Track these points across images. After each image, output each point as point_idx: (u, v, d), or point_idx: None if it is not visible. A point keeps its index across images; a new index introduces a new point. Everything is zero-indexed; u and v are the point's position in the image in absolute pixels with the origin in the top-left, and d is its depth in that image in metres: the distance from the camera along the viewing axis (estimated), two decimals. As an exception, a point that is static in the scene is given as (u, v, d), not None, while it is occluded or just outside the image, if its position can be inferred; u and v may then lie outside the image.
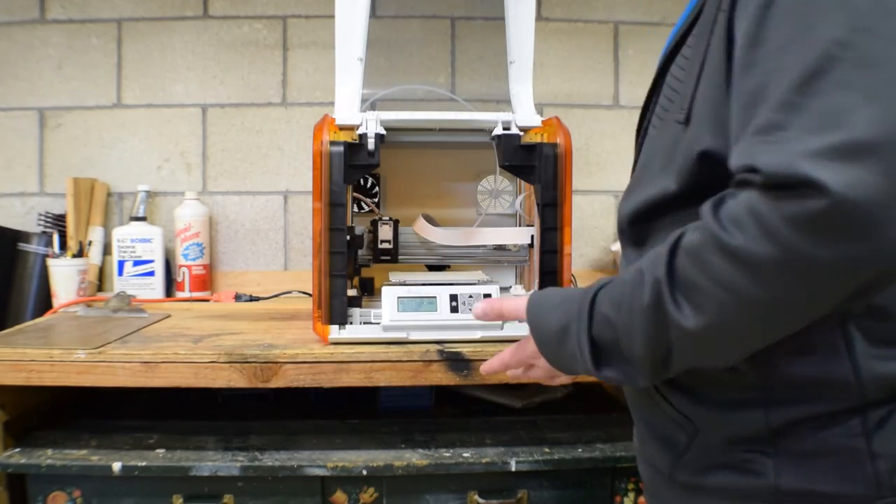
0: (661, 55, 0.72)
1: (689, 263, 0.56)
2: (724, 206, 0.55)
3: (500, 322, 1.11)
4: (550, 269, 1.13)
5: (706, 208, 0.57)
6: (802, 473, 0.61)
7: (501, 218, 1.32)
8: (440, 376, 1.07)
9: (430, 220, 1.23)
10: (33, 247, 1.60)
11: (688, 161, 0.62)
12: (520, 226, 1.27)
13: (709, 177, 0.61)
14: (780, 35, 0.53)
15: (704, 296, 0.55)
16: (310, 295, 1.35)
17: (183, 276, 1.65)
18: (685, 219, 0.62)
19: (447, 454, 1.11)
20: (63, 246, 1.57)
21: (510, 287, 1.28)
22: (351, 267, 1.18)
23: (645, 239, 0.71)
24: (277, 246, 1.76)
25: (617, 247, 1.66)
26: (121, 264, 1.62)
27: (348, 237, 1.11)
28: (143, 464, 1.06)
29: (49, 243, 1.58)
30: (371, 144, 1.09)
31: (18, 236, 1.62)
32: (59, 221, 1.64)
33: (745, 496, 0.63)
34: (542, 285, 1.13)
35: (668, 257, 0.58)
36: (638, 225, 0.71)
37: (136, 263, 1.62)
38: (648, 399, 0.72)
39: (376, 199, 1.32)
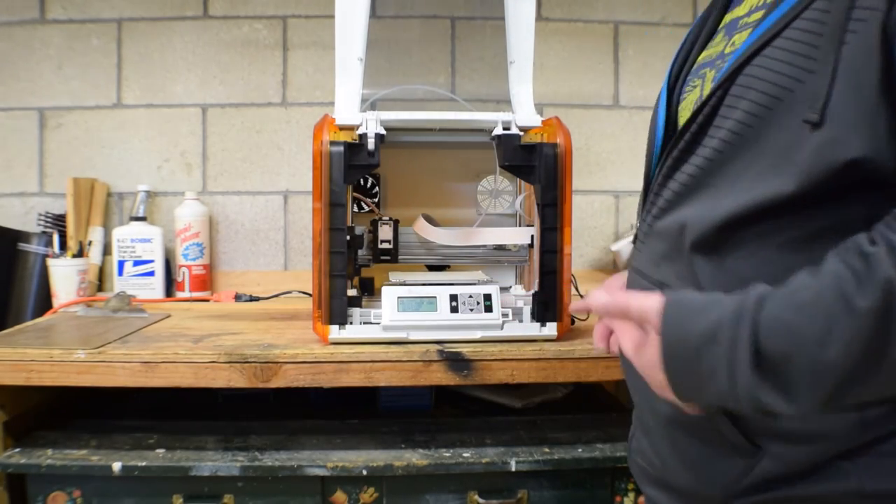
0: (741, 50, 0.66)
1: None
2: None
3: (500, 322, 1.11)
4: (550, 269, 1.13)
5: None
6: (886, 474, 0.60)
7: (501, 218, 1.32)
8: (440, 376, 1.07)
9: (430, 220, 1.23)
10: (33, 247, 1.61)
11: (821, 164, 0.58)
12: (520, 226, 1.27)
13: (842, 181, 0.58)
14: None
15: None
16: (310, 295, 1.35)
17: (183, 276, 1.65)
18: (785, 232, 0.61)
19: (447, 454, 1.11)
20: (63, 246, 1.57)
21: (510, 287, 1.28)
22: (351, 267, 1.18)
23: (731, 249, 0.66)
24: (277, 246, 1.76)
25: (617, 246, 1.66)
26: (121, 264, 1.62)
27: (348, 237, 1.11)
28: (143, 464, 1.06)
29: (49, 243, 1.58)
30: (371, 144, 1.09)
31: (18, 236, 1.62)
32: (59, 221, 1.64)
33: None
34: (541, 285, 1.13)
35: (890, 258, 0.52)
36: (731, 232, 0.65)
37: (136, 263, 1.62)
38: (697, 424, 0.68)
39: (376, 199, 1.32)
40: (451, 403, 1.34)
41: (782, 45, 0.62)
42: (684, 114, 0.76)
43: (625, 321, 0.67)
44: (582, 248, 1.79)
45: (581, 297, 1.31)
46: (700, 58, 0.78)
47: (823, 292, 0.54)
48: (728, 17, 0.77)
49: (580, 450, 1.13)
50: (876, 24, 0.55)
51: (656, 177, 0.76)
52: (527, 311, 1.15)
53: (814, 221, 0.61)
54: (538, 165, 1.12)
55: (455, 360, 1.07)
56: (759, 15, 0.68)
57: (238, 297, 1.62)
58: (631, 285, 0.79)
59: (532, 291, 1.16)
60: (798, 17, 0.62)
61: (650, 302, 0.62)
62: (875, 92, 0.56)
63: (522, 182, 1.26)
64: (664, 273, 0.72)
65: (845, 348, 0.52)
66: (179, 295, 1.65)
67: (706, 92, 0.70)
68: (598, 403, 1.37)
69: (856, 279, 0.53)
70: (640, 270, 0.77)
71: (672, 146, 0.72)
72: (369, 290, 1.26)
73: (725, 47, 0.73)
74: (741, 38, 0.69)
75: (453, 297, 1.11)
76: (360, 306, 1.13)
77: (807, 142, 0.59)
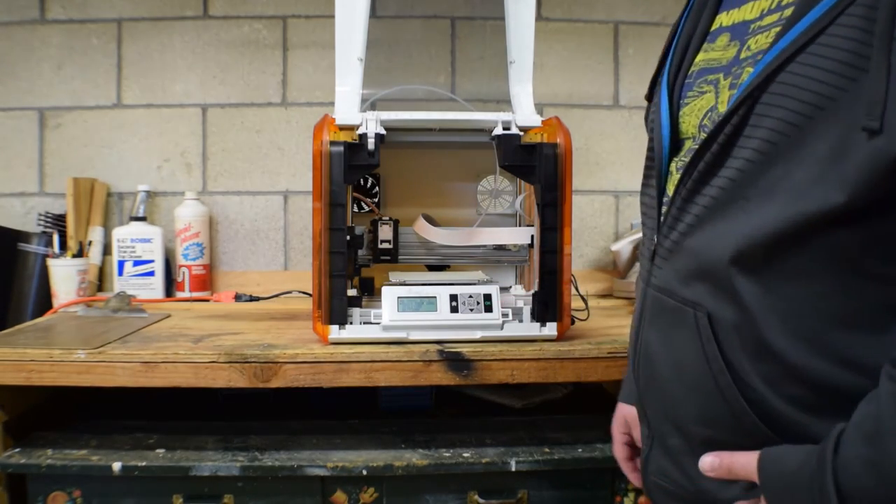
0: (771, 56, 0.64)
1: None
2: None
3: (500, 322, 1.11)
4: (550, 269, 1.13)
5: None
6: None
7: (501, 218, 1.32)
8: (440, 376, 1.07)
9: (430, 220, 1.23)
10: (33, 247, 1.61)
11: (871, 171, 0.57)
12: (520, 226, 1.27)
13: (887, 191, 0.57)
14: None
15: None
16: (310, 295, 1.35)
17: (183, 276, 1.65)
18: (834, 246, 0.60)
19: (447, 454, 1.11)
20: (63, 246, 1.57)
21: (510, 287, 1.28)
22: (351, 267, 1.18)
23: (776, 265, 0.64)
24: (277, 246, 1.76)
25: (617, 246, 1.66)
26: (121, 264, 1.62)
27: (348, 237, 1.11)
28: (143, 464, 1.06)
29: (49, 243, 1.58)
30: (371, 144, 1.09)
31: (18, 236, 1.62)
32: (59, 221, 1.64)
33: None
34: (541, 285, 1.13)
35: None
36: (775, 248, 0.63)
37: (136, 263, 1.62)
38: (736, 446, 0.66)
39: (376, 199, 1.32)
40: (451, 403, 1.34)
41: (820, 52, 0.60)
42: (688, 120, 0.74)
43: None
44: (582, 248, 1.79)
45: (581, 297, 1.31)
46: (698, 60, 0.75)
47: (883, 417, 0.55)
48: (727, 19, 0.74)
49: (580, 450, 1.13)
50: None
51: (679, 191, 0.72)
52: (527, 311, 1.15)
53: (863, 234, 0.59)
54: (538, 165, 1.12)
55: (455, 360, 1.07)
56: (774, 18, 0.66)
57: (238, 297, 1.62)
58: (654, 304, 0.76)
59: (532, 291, 1.16)
60: (835, 22, 0.60)
61: (751, 457, 0.64)
62: None
63: (522, 182, 1.26)
64: (697, 292, 0.69)
65: None
66: (179, 295, 1.65)
67: (723, 100, 0.68)
68: (598, 403, 1.36)
69: None
70: (664, 289, 0.74)
71: (696, 159, 0.70)
72: (369, 290, 1.26)
73: (740, 52, 0.70)
74: (761, 43, 0.66)
75: (453, 297, 1.11)
76: (360, 306, 1.13)
77: (862, 150, 0.57)
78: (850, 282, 0.60)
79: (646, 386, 0.77)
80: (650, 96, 0.85)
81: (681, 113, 0.75)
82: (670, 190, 0.75)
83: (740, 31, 0.71)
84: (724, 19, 0.74)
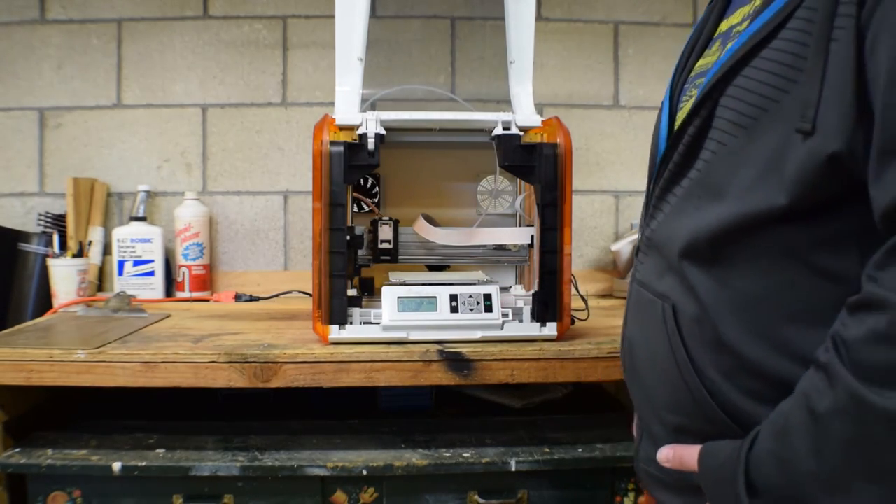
0: (723, 60, 0.67)
1: (877, 348, 0.54)
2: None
3: (500, 322, 1.12)
4: (550, 268, 1.13)
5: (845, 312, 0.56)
6: None
7: (501, 218, 1.32)
8: (440, 376, 1.07)
9: (430, 220, 1.23)
10: (33, 247, 1.61)
11: (809, 172, 0.59)
12: (520, 226, 1.27)
13: (830, 188, 0.59)
14: None
15: None
16: (310, 295, 1.35)
17: (183, 276, 1.65)
18: (785, 243, 0.61)
19: (447, 454, 1.11)
20: (63, 246, 1.57)
21: (510, 287, 1.28)
22: (351, 267, 1.18)
23: (728, 261, 0.66)
24: (277, 246, 1.76)
25: (617, 246, 1.66)
26: (121, 264, 1.62)
27: (348, 237, 1.11)
28: (143, 464, 1.06)
29: (49, 243, 1.58)
30: (371, 144, 1.09)
31: (18, 236, 1.62)
32: (59, 221, 1.64)
33: None
34: (541, 285, 1.13)
35: (840, 360, 0.55)
36: (724, 244, 0.66)
37: (136, 263, 1.62)
38: (705, 433, 0.68)
39: (376, 199, 1.32)
40: (451, 403, 1.34)
41: (768, 56, 0.62)
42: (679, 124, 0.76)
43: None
44: (582, 248, 1.79)
45: (581, 297, 1.31)
46: (697, 66, 0.78)
47: (793, 414, 0.58)
48: (724, 25, 0.76)
49: (580, 450, 1.13)
50: (852, 28, 0.56)
51: (655, 189, 0.76)
52: (527, 311, 1.15)
53: (809, 232, 0.61)
54: (538, 165, 1.12)
55: (455, 360, 1.07)
56: (746, 24, 0.68)
57: (238, 297, 1.62)
58: (636, 298, 0.79)
59: (532, 291, 1.16)
60: (783, 27, 0.62)
61: (693, 452, 0.69)
62: (852, 94, 0.57)
63: (522, 182, 1.26)
64: (666, 285, 0.72)
65: (817, 456, 0.56)
66: (179, 295, 1.65)
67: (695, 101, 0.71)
68: (598, 403, 1.37)
69: (816, 390, 0.57)
70: (642, 282, 0.77)
71: (668, 158, 0.73)
72: (369, 290, 1.26)
73: (719, 56, 0.72)
74: (730, 45, 0.69)
75: (453, 297, 1.11)
76: (360, 306, 1.13)
77: (798, 151, 0.59)
78: (800, 278, 0.62)
79: (631, 377, 0.81)
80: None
81: (677, 116, 0.78)
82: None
83: (726, 36, 0.73)
84: (722, 26, 0.77)
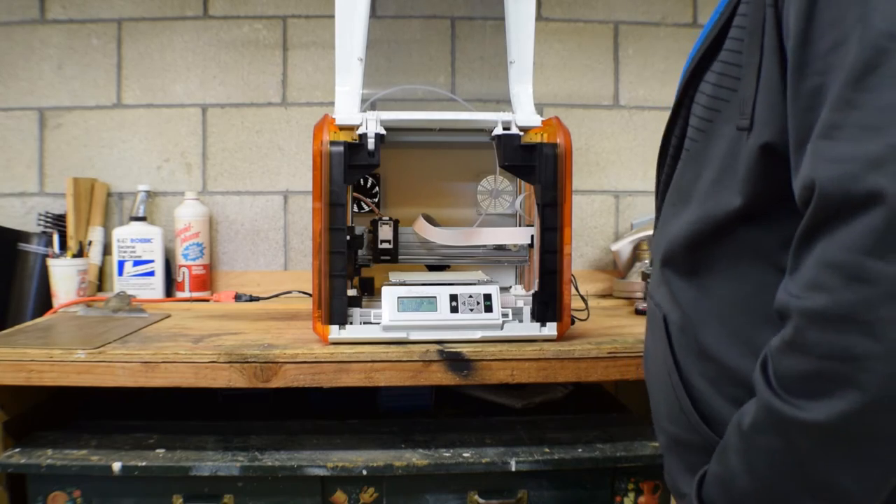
0: (687, 64, 0.67)
1: (787, 357, 0.53)
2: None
3: (500, 322, 1.11)
4: (550, 269, 1.13)
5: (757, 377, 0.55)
6: None
7: (501, 218, 1.32)
8: (440, 376, 1.07)
9: (430, 220, 1.23)
10: (33, 247, 1.60)
11: (753, 169, 0.58)
12: (520, 226, 1.26)
13: (774, 187, 0.57)
14: (831, 31, 0.51)
15: (826, 379, 0.50)
16: (310, 295, 1.35)
17: (183, 276, 1.65)
18: (752, 245, 0.60)
19: (447, 454, 1.11)
20: (63, 246, 1.57)
21: (510, 287, 1.28)
22: (351, 267, 1.18)
23: (703, 267, 0.65)
24: (277, 246, 1.76)
25: (617, 246, 1.66)
26: (121, 264, 1.62)
27: (348, 237, 1.11)
28: (143, 464, 1.06)
29: (49, 243, 1.58)
30: (371, 144, 1.09)
31: (18, 236, 1.62)
32: (59, 221, 1.64)
33: None
34: (541, 285, 1.13)
35: (762, 373, 0.55)
36: (696, 251, 0.65)
37: (136, 263, 1.62)
38: (695, 445, 0.68)
39: (376, 199, 1.32)
40: (451, 403, 1.34)
41: (722, 57, 0.62)
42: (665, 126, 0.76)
43: None
44: (582, 248, 1.79)
45: (581, 297, 1.31)
46: None
47: (729, 432, 0.58)
48: None
49: (580, 450, 1.13)
50: (774, 20, 0.56)
51: (658, 193, 0.76)
52: (527, 311, 1.15)
53: (774, 233, 0.60)
54: (538, 165, 1.12)
55: (455, 360, 1.07)
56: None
57: (238, 297, 1.62)
58: (648, 306, 0.78)
59: (532, 291, 1.16)
60: (730, 24, 0.61)
61: None
62: (778, 89, 0.56)
63: (522, 182, 1.26)
64: (660, 294, 0.72)
65: (750, 474, 0.56)
66: (179, 295, 1.65)
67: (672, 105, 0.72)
68: (598, 403, 1.37)
69: (744, 409, 0.57)
70: (650, 292, 0.77)
71: (661, 162, 0.73)
72: (369, 290, 1.26)
73: None
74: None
75: (453, 297, 1.11)
76: (360, 306, 1.13)
77: (742, 149, 0.59)
78: (772, 281, 0.59)
79: (647, 385, 0.79)
80: None
81: None
82: None
83: None
84: None
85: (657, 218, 0.76)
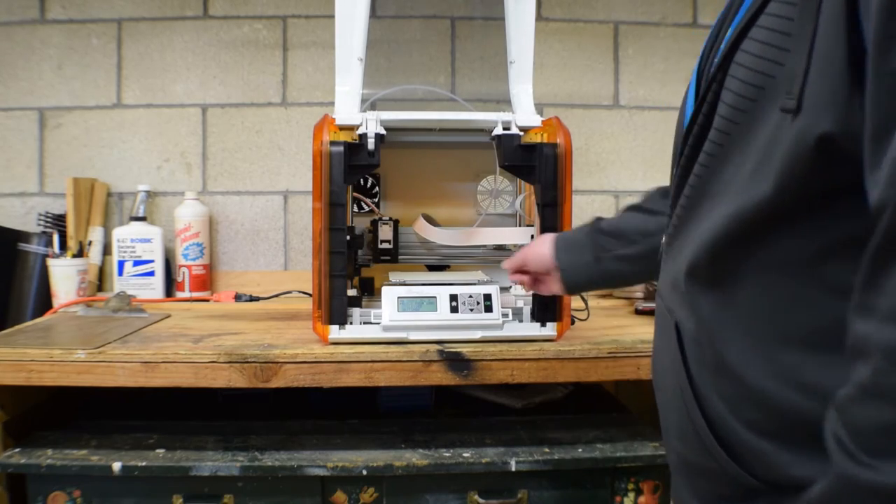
0: (732, 28, 0.57)
1: (863, 406, 0.44)
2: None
3: (500, 322, 1.11)
4: (550, 269, 1.13)
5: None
6: None
7: (501, 218, 1.32)
8: (440, 376, 1.07)
9: (430, 220, 1.23)
10: (33, 247, 1.60)
11: (795, 155, 0.49)
12: (520, 226, 1.26)
13: (819, 184, 0.49)
14: None
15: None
16: (310, 295, 1.35)
17: (183, 276, 1.65)
18: (785, 250, 0.52)
19: (447, 454, 1.11)
20: (63, 246, 1.57)
21: (510, 287, 1.28)
22: (351, 267, 1.18)
23: (729, 272, 0.57)
24: (277, 246, 1.76)
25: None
26: (121, 264, 1.62)
27: (348, 237, 1.11)
28: (143, 464, 1.06)
29: (49, 243, 1.58)
30: (371, 144, 1.09)
31: (18, 236, 1.62)
32: (59, 221, 1.64)
33: None
34: (542, 285, 1.13)
35: (831, 424, 0.46)
36: (723, 252, 0.57)
37: (136, 263, 1.62)
38: (703, 466, 0.61)
39: (376, 199, 1.32)
40: (451, 403, 1.34)
41: (764, 24, 0.53)
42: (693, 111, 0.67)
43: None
44: (582, 248, 1.79)
45: (581, 297, 1.31)
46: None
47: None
48: None
49: (580, 450, 1.13)
50: (844, 2, 0.47)
51: (675, 189, 0.67)
52: (527, 311, 1.15)
53: (814, 238, 0.52)
54: (538, 165, 1.12)
55: (455, 360, 1.07)
56: None
57: (238, 297, 1.62)
58: (658, 307, 0.72)
59: (532, 291, 1.16)
60: None
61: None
62: (843, 78, 0.47)
63: (522, 182, 1.26)
64: (673, 298, 0.64)
65: None
66: (179, 295, 1.65)
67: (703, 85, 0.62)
68: (598, 403, 1.37)
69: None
70: (660, 292, 0.70)
71: (680, 153, 0.64)
72: (369, 290, 1.26)
73: None
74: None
75: (453, 297, 1.11)
76: (360, 306, 1.13)
77: (786, 133, 0.50)
78: (811, 295, 0.53)
79: (655, 391, 0.73)
80: None
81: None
82: None
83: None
84: None
85: (672, 209, 0.68)
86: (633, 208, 0.93)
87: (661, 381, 0.69)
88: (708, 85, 0.58)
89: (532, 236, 1.17)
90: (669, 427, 0.66)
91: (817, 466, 0.49)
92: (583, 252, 0.94)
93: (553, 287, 0.99)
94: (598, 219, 0.95)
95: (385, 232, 1.22)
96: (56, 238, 1.56)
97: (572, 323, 1.19)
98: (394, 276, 1.19)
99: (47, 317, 1.43)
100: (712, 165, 0.59)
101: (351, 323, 1.11)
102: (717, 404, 0.58)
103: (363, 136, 1.09)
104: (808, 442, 0.52)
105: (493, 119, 1.14)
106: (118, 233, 1.62)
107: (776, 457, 0.55)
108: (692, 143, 0.62)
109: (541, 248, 0.99)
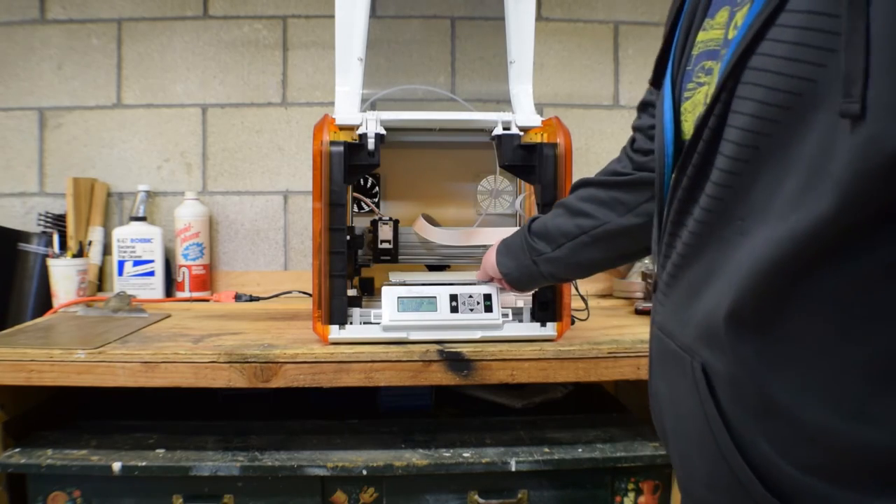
0: (740, 35, 0.51)
1: None
2: None
3: (500, 322, 1.11)
4: (550, 269, 1.13)
5: None
6: None
7: (501, 218, 1.32)
8: (440, 376, 1.07)
9: (431, 220, 1.23)
10: (33, 247, 1.60)
11: (863, 166, 0.43)
12: (520, 226, 1.26)
13: (891, 193, 0.43)
14: None
15: None
16: (310, 295, 1.35)
17: (183, 276, 1.65)
18: (857, 269, 0.46)
19: (447, 454, 1.11)
20: (63, 246, 1.57)
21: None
22: (351, 267, 1.18)
23: (778, 304, 0.50)
24: (277, 246, 1.76)
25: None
26: (121, 264, 1.62)
27: (348, 237, 1.11)
28: (143, 464, 1.06)
29: (49, 243, 1.58)
30: (371, 144, 1.09)
31: (18, 236, 1.62)
32: (59, 221, 1.64)
33: None
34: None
35: None
36: (772, 291, 0.49)
37: (136, 263, 1.62)
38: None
39: (376, 199, 1.32)
40: (451, 403, 1.34)
41: (791, 21, 0.47)
42: (689, 118, 0.61)
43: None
44: (582, 248, 1.79)
45: (581, 297, 1.31)
46: (699, 41, 0.61)
47: None
48: None
49: (580, 450, 1.13)
50: None
51: (669, 211, 0.60)
52: (527, 311, 1.15)
53: (868, 261, 0.46)
54: (538, 165, 1.12)
55: (455, 360, 1.07)
56: None
57: (238, 297, 1.62)
58: (658, 346, 0.65)
59: (532, 291, 1.16)
60: None
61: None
62: None
63: (522, 182, 1.26)
64: (693, 336, 0.58)
65: None
66: (179, 295, 1.65)
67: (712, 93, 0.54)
68: (598, 403, 1.37)
69: None
70: (665, 328, 0.63)
71: (681, 168, 0.58)
72: (369, 290, 1.26)
73: (728, 30, 0.56)
74: (742, 18, 0.53)
75: (453, 297, 1.11)
76: (360, 306, 1.13)
77: (845, 142, 0.44)
78: (868, 320, 0.47)
79: (665, 440, 0.67)
80: (656, 81, 0.70)
81: (682, 109, 0.62)
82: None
83: (733, 2, 0.57)
84: None
85: (670, 236, 0.61)
86: (560, 205, 0.94)
87: (678, 428, 0.62)
88: (716, 95, 0.53)
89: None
90: (694, 476, 0.60)
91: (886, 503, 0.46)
92: (520, 255, 0.98)
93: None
94: (533, 219, 0.97)
95: (385, 232, 1.22)
96: (56, 238, 1.56)
97: (572, 323, 1.19)
98: (394, 276, 1.19)
99: (47, 317, 1.43)
100: (735, 185, 0.52)
101: (351, 323, 1.11)
102: (764, 449, 0.52)
103: (363, 136, 1.09)
104: (876, 480, 0.48)
105: (493, 119, 1.14)
106: (118, 233, 1.62)
107: (839, 498, 0.49)
108: (697, 163, 0.55)
109: (490, 256, 1.05)
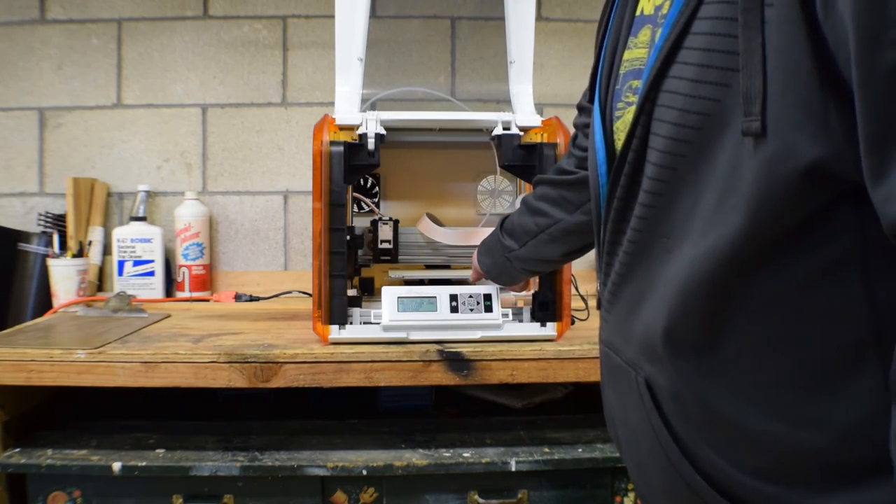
0: (653, 58, 0.53)
1: None
2: None
3: (500, 322, 1.11)
4: (550, 269, 1.13)
5: None
6: None
7: (502, 218, 1.32)
8: (440, 376, 1.07)
9: (435, 220, 1.23)
10: (33, 247, 1.60)
11: (769, 182, 0.44)
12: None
13: (800, 204, 0.45)
14: None
15: None
16: (310, 295, 1.35)
17: (183, 276, 1.65)
18: (776, 280, 0.47)
19: (447, 454, 1.11)
20: (63, 246, 1.57)
21: (510, 287, 1.28)
22: (351, 267, 1.18)
23: (705, 319, 0.51)
24: (277, 246, 1.76)
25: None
26: (121, 264, 1.62)
27: (348, 237, 1.11)
28: (143, 464, 1.06)
29: (49, 243, 1.58)
30: (371, 144, 1.09)
31: (18, 236, 1.62)
32: (59, 221, 1.64)
33: None
34: (541, 286, 1.13)
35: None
36: (700, 306, 0.51)
37: (136, 263, 1.62)
38: None
39: (376, 199, 1.32)
40: (451, 403, 1.34)
41: (694, 45, 0.48)
42: (620, 136, 0.60)
43: None
44: (582, 248, 1.79)
45: (581, 297, 1.31)
46: (625, 58, 0.61)
47: None
48: (648, 5, 0.59)
49: (580, 450, 1.13)
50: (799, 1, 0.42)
51: (605, 228, 0.61)
52: (527, 311, 1.15)
53: (793, 271, 0.47)
54: (538, 165, 1.12)
55: (455, 360, 1.07)
56: (669, 5, 0.53)
57: (238, 297, 1.62)
58: (606, 360, 0.66)
59: (532, 291, 1.16)
60: (702, 2, 0.48)
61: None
62: (813, 77, 0.42)
63: (522, 182, 1.26)
64: (635, 351, 0.59)
65: None
66: (179, 295, 1.65)
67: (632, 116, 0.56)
68: (599, 403, 1.36)
69: None
70: (611, 344, 0.64)
71: (611, 188, 0.59)
72: (369, 290, 1.26)
73: (650, 49, 0.57)
74: (659, 38, 0.54)
75: (453, 297, 1.11)
76: (360, 306, 1.13)
77: (750, 159, 0.45)
78: (805, 326, 0.48)
79: (620, 452, 0.68)
80: (591, 98, 0.69)
81: (615, 128, 0.62)
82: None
83: (654, 21, 0.58)
84: (645, 4, 0.60)
85: (608, 255, 0.62)
86: (523, 202, 0.95)
87: (631, 440, 0.63)
88: (636, 119, 0.54)
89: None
90: (653, 485, 0.61)
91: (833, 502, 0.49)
92: (495, 253, 1.01)
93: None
94: (504, 217, 1.00)
95: (385, 232, 1.22)
96: (56, 238, 1.56)
97: (572, 323, 1.19)
98: (394, 276, 1.19)
99: (47, 317, 1.43)
100: (658, 205, 0.54)
101: (351, 323, 1.11)
102: (712, 458, 0.54)
103: (363, 136, 1.09)
104: (820, 479, 0.49)
105: (493, 119, 1.14)
106: (118, 233, 1.62)
107: (789, 499, 0.51)
108: (625, 184, 0.57)
109: (474, 257, 1.08)
